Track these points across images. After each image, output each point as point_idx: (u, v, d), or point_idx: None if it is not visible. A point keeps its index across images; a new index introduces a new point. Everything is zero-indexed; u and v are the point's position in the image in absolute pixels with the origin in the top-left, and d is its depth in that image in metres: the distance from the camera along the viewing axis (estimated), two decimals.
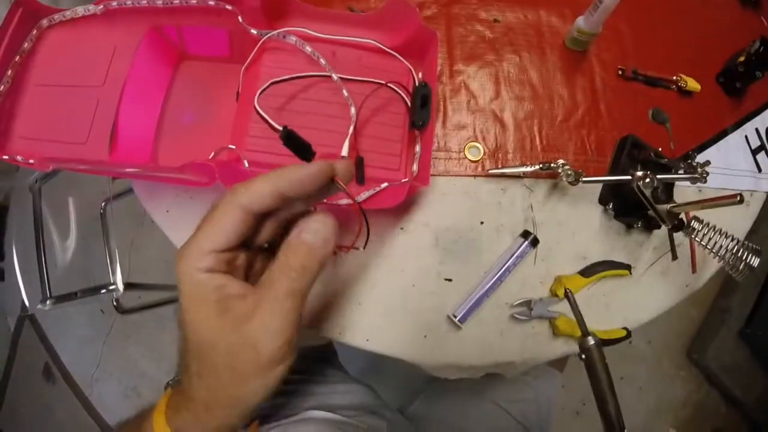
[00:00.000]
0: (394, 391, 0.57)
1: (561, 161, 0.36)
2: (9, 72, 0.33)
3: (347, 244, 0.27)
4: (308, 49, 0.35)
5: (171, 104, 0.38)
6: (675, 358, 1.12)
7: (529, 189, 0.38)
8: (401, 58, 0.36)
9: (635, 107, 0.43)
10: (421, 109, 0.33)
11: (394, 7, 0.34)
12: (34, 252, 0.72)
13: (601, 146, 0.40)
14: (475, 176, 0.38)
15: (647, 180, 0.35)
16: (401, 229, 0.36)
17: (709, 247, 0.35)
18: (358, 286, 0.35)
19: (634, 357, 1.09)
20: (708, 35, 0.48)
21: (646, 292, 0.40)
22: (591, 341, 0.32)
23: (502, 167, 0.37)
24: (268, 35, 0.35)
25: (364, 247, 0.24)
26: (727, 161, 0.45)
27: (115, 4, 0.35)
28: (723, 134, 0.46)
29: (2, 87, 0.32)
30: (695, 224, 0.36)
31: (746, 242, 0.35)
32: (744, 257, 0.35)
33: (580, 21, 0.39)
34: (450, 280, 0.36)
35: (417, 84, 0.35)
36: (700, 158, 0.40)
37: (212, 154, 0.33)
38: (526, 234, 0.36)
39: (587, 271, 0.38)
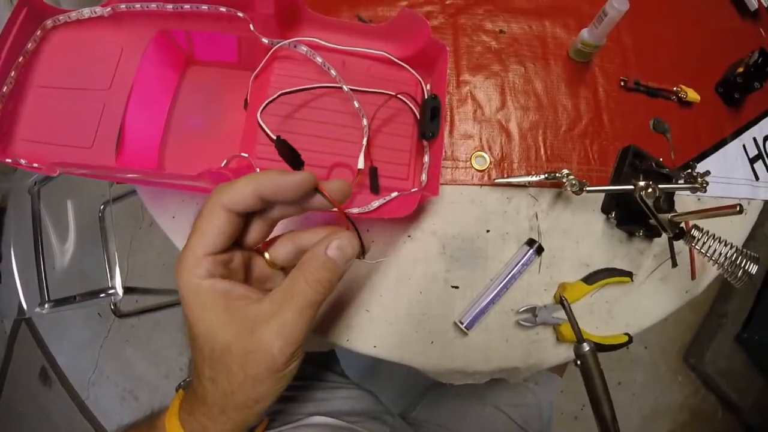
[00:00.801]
0: (396, 397, 0.58)
1: (565, 171, 0.36)
2: (12, 73, 0.32)
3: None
4: (319, 59, 0.35)
5: (177, 109, 0.38)
6: (672, 363, 1.13)
7: (534, 198, 0.39)
8: (411, 70, 0.36)
9: (637, 117, 0.44)
10: (431, 121, 0.34)
11: (405, 19, 0.34)
12: (31, 255, 0.72)
13: (604, 156, 0.41)
14: (481, 185, 0.38)
15: (649, 190, 0.35)
16: (409, 237, 0.36)
17: (708, 255, 0.36)
18: (366, 294, 0.35)
19: (632, 362, 1.10)
20: (708, 46, 0.49)
21: (647, 298, 0.41)
22: (586, 347, 0.32)
23: (508, 177, 0.38)
24: (279, 44, 0.35)
25: (363, 257, 0.24)
26: (726, 170, 0.46)
27: (123, 7, 0.35)
28: (722, 144, 0.47)
29: (5, 88, 0.32)
30: (695, 233, 0.37)
31: (744, 250, 0.35)
32: (742, 265, 0.35)
33: (585, 33, 0.40)
34: (456, 287, 0.36)
35: (426, 95, 0.36)
36: (700, 168, 0.41)
37: (224, 161, 0.34)
38: (531, 242, 0.37)
39: (590, 279, 0.39)
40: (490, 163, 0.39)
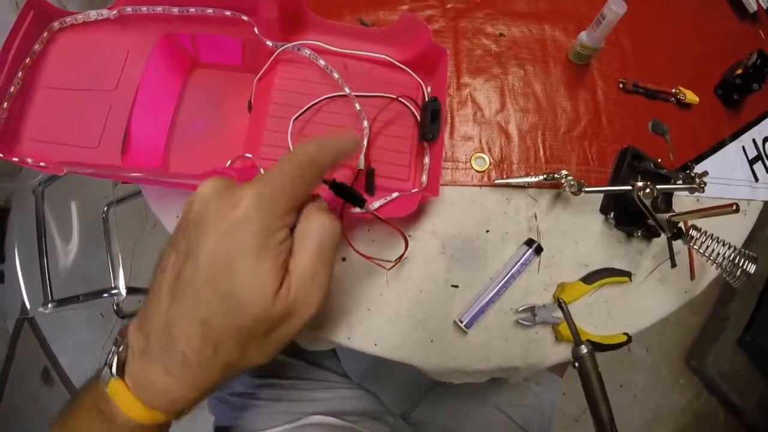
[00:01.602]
0: (396, 397, 0.58)
1: (564, 172, 0.37)
2: (19, 74, 0.33)
3: (388, 258, 0.32)
4: (321, 62, 0.36)
5: (182, 111, 0.39)
6: (674, 366, 1.13)
7: (533, 199, 0.39)
8: (412, 73, 0.37)
9: (635, 119, 0.44)
10: (431, 123, 0.34)
11: (406, 23, 0.35)
12: (35, 255, 0.72)
13: (603, 157, 0.42)
14: (481, 186, 0.39)
15: (647, 190, 0.36)
16: (409, 236, 0.36)
17: (706, 254, 0.36)
18: (367, 292, 0.36)
19: (633, 364, 1.10)
20: (706, 48, 0.49)
21: (646, 298, 0.41)
22: (584, 350, 0.32)
23: (508, 178, 0.38)
24: (283, 47, 0.36)
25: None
26: (725, 171, 0.47)
27: (129, 9, 0.35)
28: (721, 145, 0.47)
29: (13, 89, 0.32)
30: (693, 233, 0.37)
31: (743, 250, 0.36)
32: (740, 264, 0.36)
33: (583, 36, 0.41)
34: (456, 286, 0.37)
35: (427, 98, 0.36)
36: (699, 169, 0.41)
37: (229, 161, 0.34)
38: (530, 242, 0.37)
39: (589, 278, 0.39)
40: (490, 164, 0.39)
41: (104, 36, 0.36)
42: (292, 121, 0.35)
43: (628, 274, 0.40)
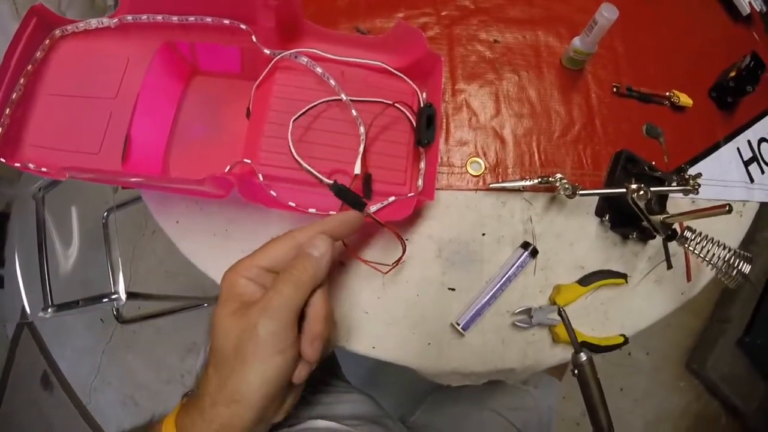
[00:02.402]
0: (395, 401, 0.58)
1: (558, 175, 0.37)
2: (21, 80, 0.33)
3: (385, 262, 0.33)
4: (318, 69, 0.36)
5: (182, 118, 0.39)
6: (674, 369, 1.12)
7: (529, 202, 0.40)
8: (407, 80, 0.37)
9: (630, 123, 0.45)
10: (426, 128, 0.35)
11: (402, 31, 0.36)
12: (35, 260, 0.73)
13: (597, 161, 0.42)
14: (476, 190, 0.39)
15: (641, 192, 0.36)
16: (406, 240, 0.37)
17: (702, 255, 0.37)
18: (365, 296, 0.36)
19: (633, 368, 1.09)
20: (700, 51, 0.50)
21: (642, 300, 0.41)
22: (583, 357, 0.32)
23: (503, 181, 0.39)
24: (281, 55, 0.36)
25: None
26: (721, 173, 0.47)
27: (130, 18, 0.36)
28: (716, 147, 0.48)
29: (14, 95, 0.33)
30: (688, 234, 0.37)
31: (737, 250, 0.36)
32: (736, 265, 0.36)
33: (576, 41, 0.41)
34: (453, 289, 0.37)
35: (422, 104, 0.37)
36: (694, 171, 0.41)
37: (228, 167, 0.35)
38: (525, 245, 0.38)
39: (585, 281, 0.39)
40: (485, 168, 0.39)
41: (105, 44, 0.37)
42: (291, 123, 0.35)
43: (624, 276, 0.40)
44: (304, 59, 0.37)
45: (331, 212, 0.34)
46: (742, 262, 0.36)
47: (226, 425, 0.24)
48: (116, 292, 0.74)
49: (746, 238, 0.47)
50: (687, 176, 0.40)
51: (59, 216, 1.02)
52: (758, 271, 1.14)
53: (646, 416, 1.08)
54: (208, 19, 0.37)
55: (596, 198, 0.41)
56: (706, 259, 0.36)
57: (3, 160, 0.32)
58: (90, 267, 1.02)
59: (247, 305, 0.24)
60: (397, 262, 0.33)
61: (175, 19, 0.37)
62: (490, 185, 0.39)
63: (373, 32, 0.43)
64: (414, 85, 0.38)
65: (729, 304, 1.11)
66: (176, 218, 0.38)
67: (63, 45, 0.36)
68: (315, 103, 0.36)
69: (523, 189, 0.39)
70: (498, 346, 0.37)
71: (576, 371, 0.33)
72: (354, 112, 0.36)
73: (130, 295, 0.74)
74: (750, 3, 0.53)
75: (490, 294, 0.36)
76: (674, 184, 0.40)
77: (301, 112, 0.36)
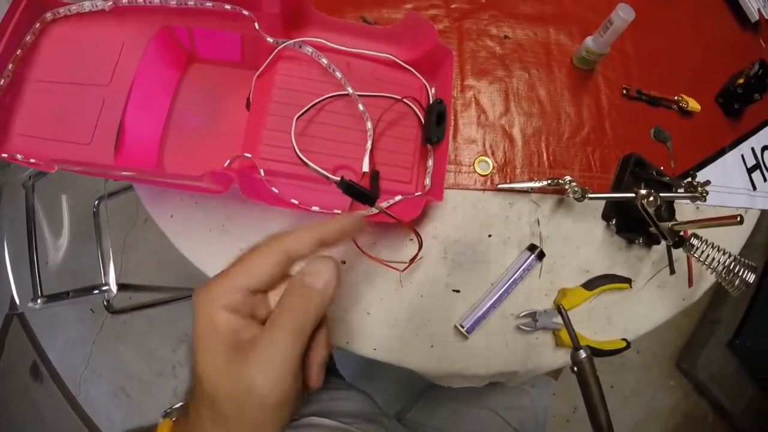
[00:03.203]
0: (390, 397, 0.58)
1: (568, 178, 0.36)
2: (10, 66, 0.32)
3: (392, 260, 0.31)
4: (324, 60, 0.35)
5: (178, 107, 0.38)
6: (664, 368, 1.14)
7: (536, 204, 0.39)
8: (417, 74, 0.36)
9: (638, 126, 0.44)
10: (436, 125, 0.34)
11: (412, 22, 0.34)
12: (25, 249, 0.71)
13: (606, 163, 0.41)
14: (484, 190, 0.38)
15: (651, 198, 0.36)
16: (411, 240, 0.36)
17: (707, 263, 0.36)
18: (367, 296, 0.35)
19: (624, 366, 1.11)
20: (708, 57, 0.50)
21: (645, 304, 0.41)
22: (583, 354, 0.32)
23: (511, 182, 0.38)
24: (284, 44, 0.35)
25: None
26: (724, 179, 0.47)
27: (125, 1, 0.34)
28: (721, 153, 0.48)
29: (2, 81, 0.31)
30: (694, 241, 0.37)
31: (742, 259, 0.36)
32: (740, 273, 0.36)
33: (589, 41, 0.40)
34: (458, 291, 0.36)
35: (431, 100, 0.36)
36: (699, 177, 0.41)
37: (227, 161, 0.33)
38: (532, 247, 0.37)
39: (590, 285, 0.39)
40: (493, 168, 0.39)
41: (99, 28, 0.35)
42: (294, 120, 0.34)
43: (628, 281, 0.40)
44: (309, 49, 0.35)
45: (336, 210, 0.33)
46: (746, 271, 0.36)
47: None
48: (107, 284, 0.72)
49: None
50: (695, 183, 0.39)
51: (49, 205, 0.99)
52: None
53: (635, 414, 1.10)
54: (209, 4, 0.35)
55: (603, 201, 0.41)
56: (711, 267, 0.36)
57: None
58: (80, 256, 0.99)
59: (237, 350, 0.20)
60: (414, 259, 0.32)
61: (173, 2, 0.35)
62: (499, 186, 0.38)
63: (380, 23, 0.41)
64: (423, 80, 0.36)
65: (720, 306, 1.13)
66: (170, 212, 0.37)
67: (54, 29, 0.34)
68: (321, 99, 0.35)
69: (532, 190, 0.38)
70: (502, 349, 0.37)
71: (575, 368, 0.32)
72: (361, 107, 0.35)
73: (121, 287, 0.73)
74: (759, 10, 0.53)
75: (496, 297, 0.36)
76: (682, 190, 0.39)
77: (305, 108, 0.35)
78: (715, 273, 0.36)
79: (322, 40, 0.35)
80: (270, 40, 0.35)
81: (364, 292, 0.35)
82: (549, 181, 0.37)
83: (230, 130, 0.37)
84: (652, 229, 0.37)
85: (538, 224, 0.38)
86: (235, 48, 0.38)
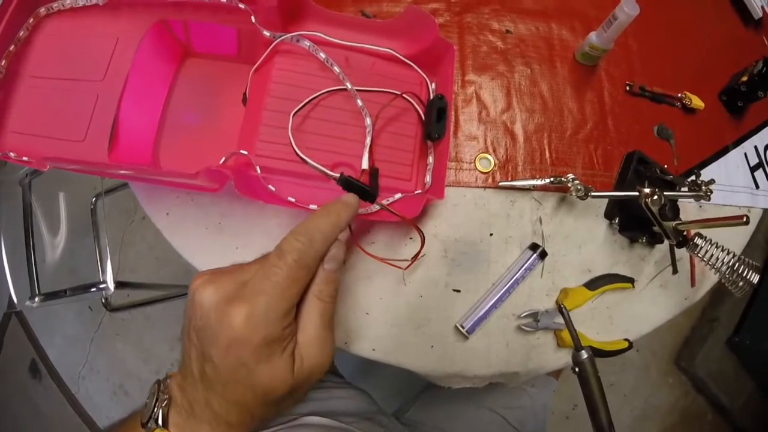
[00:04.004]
0: (389, 396, 0.57)
1: (571, 176, 0.36)
2: (3, 62, 0.31)
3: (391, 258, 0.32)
4: (322, 55, 0.34)
5: (173, 103, 0.37)
6: (663, 365, 1.14)
7: (538, 202, 0.38)
8: (417, 68, 0.35)
9: (641, 123, 0.43)
10: (437, 122, 0.33)
11: (412, 16, 0.33)
12: (22, 247, 0.70)
13: (608, 161, 0.41)
14: (485, 188, 0.38)
15: (655, 197, 0.35)
16: (410, 239, 0.35)
17: (711, 263, 0.36)
18: (366, 296, 0.35)
19: (623, 364, 1.11)
20: (711, 54, 0.49)
21: (647, 304, 0.41)
22: (584, 355, 0.32)
23: (513, 180, 0.37)
24: (281, 38, 0.34)
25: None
26: (727, 178, 0.46)
27: None
28: (724, 151, 0.47)
29: None
30: (698, 241, 0.37)
31: (746, 259, 0.35)
32: (744, 274, 0.35)
33: (593, 37, 0.39)
34: (458, 291, 0.36)
35: (432, 95, 0.35)
36: (703, 175, 0.40)
37: (223, 159, 0.33)
38: (534, 246, 0.37)
39: (592, 284, 0.38)
40: (495, 165, 0.38)
41: (93, 23, 0.34)
42: (291, 116, 0.33)
43: (630, 281, 0.39)
44: (307, 43, 0.35)
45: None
46: (750, 272, 0.35)
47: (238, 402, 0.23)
48: (104, 281, 0.72)
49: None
50: (699, 182, 0.38)
51: (47, 202, 0.98)
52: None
53: (634, 411, 1.11)
54: None
55: (605, 200, 0.40)
56: (715, 266, 0.36)
57: None
58: (78, 254, 0.99)
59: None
60: (416, 256, 0.32)
61: None
62: (500, 184, 0.37)
63: (379, 16, 0.40)
64: (423, 75, 0.36)
65: (719, 304, 1.12)
66: (166, 210, 0.36)
67: (48, 24, 0.34)
68: (318, 93, 0.34)
69: (533, 188, 0.37)
70: (502, 349, 0.36)
71: (577, 369, 0.32)
72: (360, 103, 0.34)
73: (119, 284, 0.72)
74: (762, 7, 0.52)
75: (497, 297, 0.35)
76: (686, 189, 0.39)
77: (302, 104, 0.34)
78: (718, 273, 0.36)
79: (320, 34, 0.34)
80: (267, 33, 0.34)
81: (363, 292, 0.35)
82: (552, 179, 0.36)
83: (226, 125, 0.36)
84: (656, 228, 0.37)
85: (540, 223, 0.38)
86: (232, 42, 0.37)
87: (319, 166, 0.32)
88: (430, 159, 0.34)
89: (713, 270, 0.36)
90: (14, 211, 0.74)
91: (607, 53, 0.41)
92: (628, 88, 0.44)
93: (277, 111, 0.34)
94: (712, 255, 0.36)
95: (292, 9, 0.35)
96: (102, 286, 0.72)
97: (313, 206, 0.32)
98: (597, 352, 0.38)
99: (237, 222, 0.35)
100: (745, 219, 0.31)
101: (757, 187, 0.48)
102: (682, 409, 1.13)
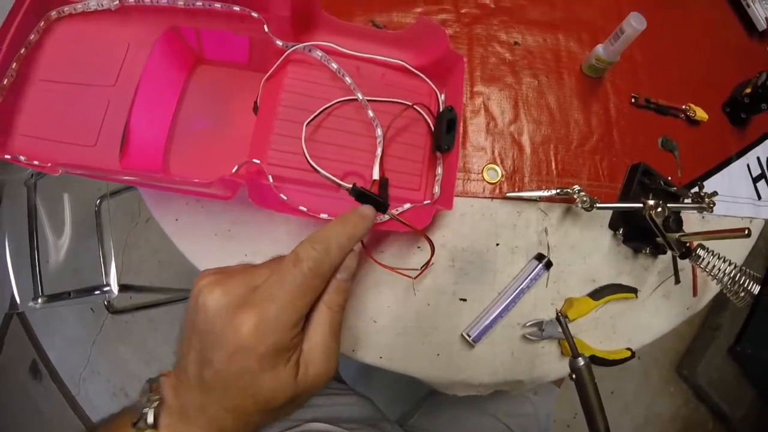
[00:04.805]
0: (392, 403, 0.57)
1: (577, 187, 0.36)
2: (13, 65, 0.31)
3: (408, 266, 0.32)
4: (334, 65, 0.35)
5: (184, 109, 0.37)
6: (664, 374, 1.14)
7: (544, 212, 0.39)
8: (427, 79, 0.36)
9: (646, 135, 0.44)
10: (447, 133, 0.33)
11: (423, 27, 0.34)
12: (26, 248, 0.70)
13: (613, 172, 0.41)
14: (492, 198, 0.38)
15: (659, 209, 0.35)
16: (418, 248, 0.36)
17: (713, 274, 0.36)
18: (374, 304, 0.35)
19: (624, 372, 1.11)
20: (716, 65, 0.49)
21: (650, 314, 0.41)
22: (581, 362, 0.32)
23: (519, 191, 0.38)
24: (294, 48, 0.34)
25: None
26: (730, 189, 0.47)
27: (132, 0, 0.34)
28: (727, 162, 0.47)
29: (6, 81, 0.31)
30: (701, 252, 0.37)
31: (748, 270, 0.36)
32: (745, 284, 0.36)
33: (600, 49, 0.40)
34: (464, 300, 0.36)
35: (441, 107, 0.36)
36: (706, 186, 0.41)
37: (235, 167, 0.33)
38: (540, 257, 0.37)
39: (596, 294, 0.39)
40: (502, 176, 0.38)
41: (104, 27, 0.34)
42: (305, 126, 0.34)
43: (634, 291, 0.40)
44: (319, 53, 0.35)
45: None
46: (751, 283, 0.35)
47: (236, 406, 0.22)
48: (108, 284, 0.72)
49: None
50: (702, 194, 0.39)
51: (51, 203, 0.98)
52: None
53: (635, 419, 1.10)
54: (217, 5, 0.34)
55: (610, 211, 0.40)
56: (717, 278, 0.36)
57: None
58: (82, 255, 0.99)
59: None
60: (426, 265, 0.32)
61: (180, 2, 0.34)
62: (507, 194, 0.38)
63: (389, 27, 0.41)
64: (433, 86, 0.36)
65: (720, 312, 1.12)
66: (175, 215, 0.36)
67: (59, 27, 0.34)
68: (331, 103, 0.35)
69: (540, 199, 0.38)
70: (507, 358, 0.36)
71: (573, 376, 0.32)
72: (371, 113, 0.34)
73: (122, 287, 0.73)
74: (767, 18, 0.52)
75: (503, 306, 0.35)
76: (689, 200, 0.39)
77: (315, 113, 0.34)
78: (720, 284, 0.36)
79: (332, 44, 0.35)
80: (279, 43, 0.34)
81: (372, 300, 0.35)
82: (558, 191, 0.36)
83: (237, 133, 0.36)
84: (659, 240, 0.37)
85: (546, 233, 0.38)
86: (243, 50, 0.37)
87: (331, 177, 0.32)
88: (439, 170, 0.35)
89: (715, 280, 0.37)
90: (19, 211, 0.75)
91: (613, 65, 0.41)
92: (633, 100, 0.44)
93: (289, 120, 0.34)
94: (714, 266, 0.36)
95: (304, 19, 0.35)
96: (106, 289, 0.72)
97: (323, 215, 0.32)
98: (600, 361, 0.38)
99: (247, 229, 0.36)
100: (746, 232, 0.32)
101: (760, 197, 0.49)
102: (683, 418, 1.13)
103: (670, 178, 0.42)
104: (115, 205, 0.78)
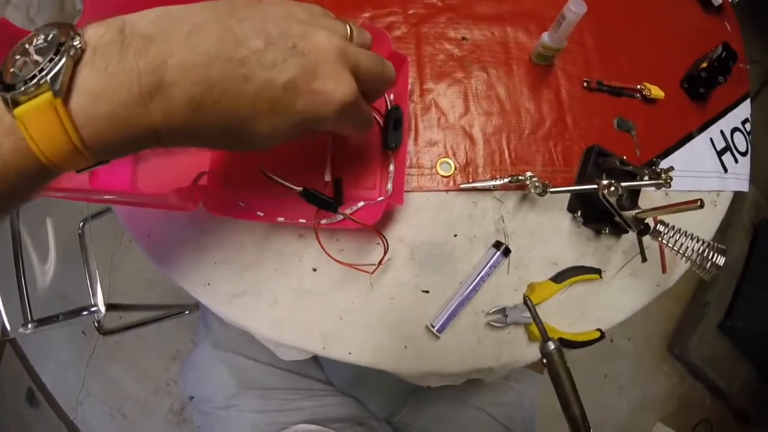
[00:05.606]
0: (380, 402, 0.58)
1: (529, 174, 0.37)
2: None
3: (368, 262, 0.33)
4: None
5: None
6: (656, 354, 1.15)
7: (500, 201, 0.39)
8: None
9: (601, 117, 0.44)
10: (393, 131, 0.34)
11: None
12: (12, 275, 0.70)
13: (569, 157, 0.42)
14: (447, 191, 0.39)
15: (612, 188, 0.36)
16: (378, 244, 0.36)
17: (675, 248, 0.37)
18: (338, 301, 0.36)
19: (616, 354, 1.11)
20: (672, 43, 0.50)
21: (618, 294, 0.42)
22: (551, 346, 0.32)
23: (473, 181, 0.38)
24: None
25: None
26: (694, 164, 0.47)
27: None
28: (688, 138, 0.48)
29: None
30: (661, 228, 0.38)
31: (712, 242, 0.36)
32: (710, 257, 0.36)
33: (545, 37, 0.41)
34: (427, 291, 0.37)
35: (389, 106, 0.36)
36: (667, 163, 0.41)
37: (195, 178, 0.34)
38: (498, 244, 0.38)
39: (558, 278, 0.39)
40: (455, 168, 0.39)
41: None
42: None
43: (597, 271, 0.40)
44: None
45: (301, 220, 0.34)
46: (716, 254, 0.36)
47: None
48: (95, 305, 0.72)
49: (724, 222, 0.47)
50: (659, 170, 0.40)
51: (35, 228, 0.99)
52: (738, 253, 1.16)
53: (632, 402, 1.11)
54: None
55: (568, 194, 0.41)
56: (680, 252, 0.37)
57: None
58: (68, 279, 0.99)
59: None
60: (381, 261, 0.33)
61: None
62: (461, 186, 0.38)
63: None
64: None
65: (708, 288, 1.13)
66: (147, 231, 0.37)
67: None
68: None
69: (494, 188, 0.39)
70: (474, 346, 0.37)
71: (545, 360, 0.33)
72: None
73: (110, 307, 0.73)
74: None
75: (464, 295, 0.36)
76: (646, 178, 0.40)
77: None
78: (685, 258, 0.37)
79: None
80: None
81: (336, 297, 0.36)
82: (510, 179, 0.37)
83: None
84: (618, 219, 0.38)
85: (503, 221, 0.39)
86: None
87: (282, 181, 0.33)
88: (391, 167, 0.36)
89: (679, 255, 0.37)
90: (3, 237, 0.75)
91: (561, 51, 0.42)
92: (585, 84, 0.45)
93: None
94: (676, 240, 0.37)
95: None
96: (93, 309, 0.72)
97: (280, 219, 0.33)
98: (569, 344, 0.39)
99: (214, 238, 0.36)
100: (699, 203, 0.32)
101: (726, 171, 0.49)
102: (679, 396, 1.14)
103: (625, 157, 0.43)
104: (98, 228, 0.78)
